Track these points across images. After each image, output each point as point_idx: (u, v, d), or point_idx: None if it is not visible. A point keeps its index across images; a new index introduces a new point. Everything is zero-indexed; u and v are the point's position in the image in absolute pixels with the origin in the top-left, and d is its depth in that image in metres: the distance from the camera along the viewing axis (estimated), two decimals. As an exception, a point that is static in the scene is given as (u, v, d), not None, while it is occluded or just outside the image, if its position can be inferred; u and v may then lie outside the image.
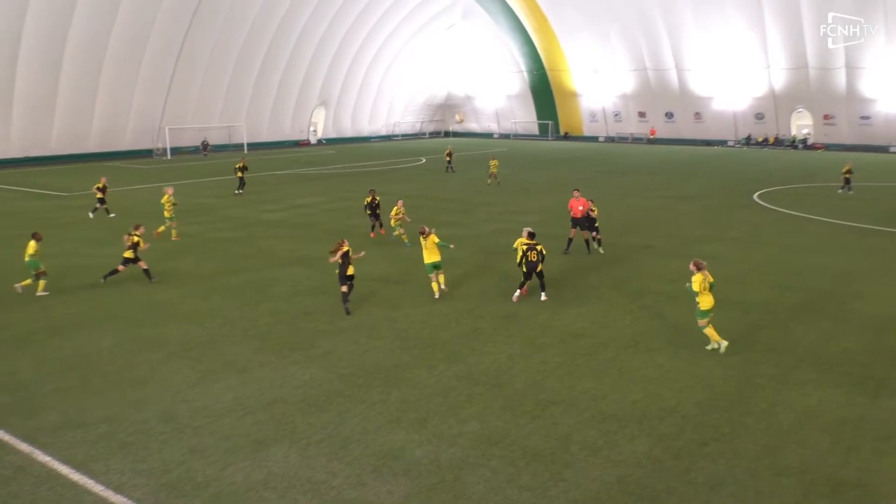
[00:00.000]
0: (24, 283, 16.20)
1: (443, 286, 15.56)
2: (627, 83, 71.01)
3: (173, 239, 22.46)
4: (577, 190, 20.49)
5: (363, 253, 16.09)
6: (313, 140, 73.37)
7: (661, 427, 9.38)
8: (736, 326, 13.48)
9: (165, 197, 22.99)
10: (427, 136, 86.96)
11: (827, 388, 10.66)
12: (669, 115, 70.65)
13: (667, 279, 17.04)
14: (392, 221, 21.30)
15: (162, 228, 22.83)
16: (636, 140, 73.27)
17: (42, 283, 16.07)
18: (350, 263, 14.36)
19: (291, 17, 61.33)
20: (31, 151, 51.06)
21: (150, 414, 9.92)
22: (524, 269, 14.88)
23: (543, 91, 77.88)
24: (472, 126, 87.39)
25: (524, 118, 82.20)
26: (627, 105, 72.81)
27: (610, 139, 75.24)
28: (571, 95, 76.35)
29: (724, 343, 12.03)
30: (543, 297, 15.17)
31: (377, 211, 22.57)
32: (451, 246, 16.38)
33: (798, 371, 11.30)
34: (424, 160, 52.07)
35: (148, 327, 13.73)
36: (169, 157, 56.65)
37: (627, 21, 65.77)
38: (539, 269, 14.94)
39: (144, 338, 13.10)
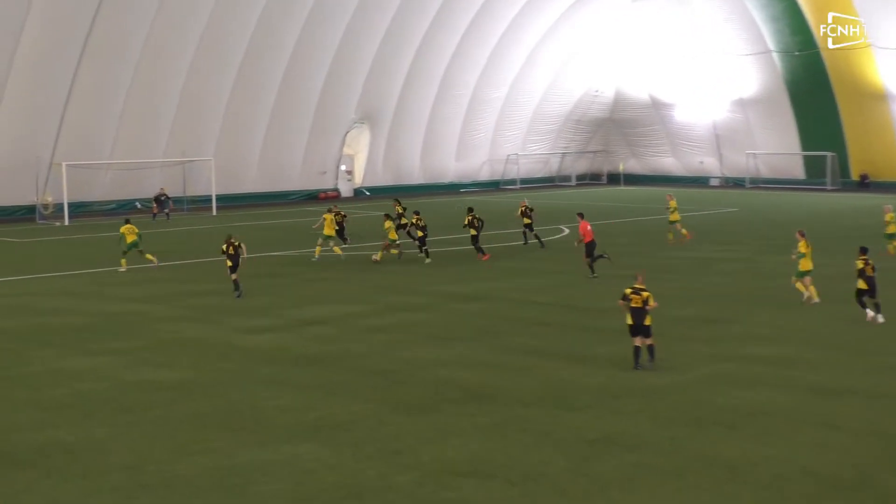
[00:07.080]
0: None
1: (814, 298, 31.40)
2: None
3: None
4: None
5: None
6: (346, 189, 75.56)
7: None
8: None
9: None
10: (573, 181, 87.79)
11: None
12: None
13: None
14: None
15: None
16: None
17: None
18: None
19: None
20: None
21: None
22: (861, 288, 28.43)
23: (815, 91, 78.46)
24: (667, 162, 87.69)
25: (773, 146, 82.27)
26: None
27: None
28: (877, 99, 76.58)
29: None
30: (880, 318, 28.14)
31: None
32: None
33: None
34: (567, 230, 52.16)
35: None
36: (67, 220, 59.17)
37: None
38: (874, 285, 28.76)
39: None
